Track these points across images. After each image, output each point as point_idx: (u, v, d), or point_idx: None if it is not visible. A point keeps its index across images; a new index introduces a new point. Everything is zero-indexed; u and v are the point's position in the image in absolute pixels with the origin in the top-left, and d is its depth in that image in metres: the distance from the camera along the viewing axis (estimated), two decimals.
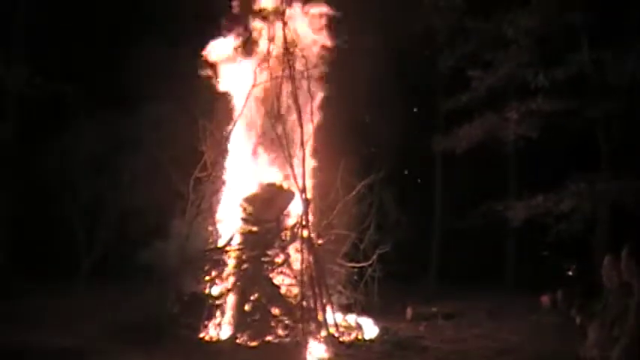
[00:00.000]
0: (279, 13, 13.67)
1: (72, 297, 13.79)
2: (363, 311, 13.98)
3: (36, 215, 16.89)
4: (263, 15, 13.85)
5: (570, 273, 16.81)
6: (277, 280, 13.05)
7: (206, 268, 13.27)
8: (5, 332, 10.68)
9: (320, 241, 13.76)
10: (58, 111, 17.48)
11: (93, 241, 17.36)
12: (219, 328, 12.41)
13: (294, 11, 13.89)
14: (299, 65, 13.63)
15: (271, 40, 13.69)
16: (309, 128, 13.72)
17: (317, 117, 13.83)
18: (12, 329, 10.86)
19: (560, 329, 11.41)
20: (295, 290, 12.90)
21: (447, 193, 23.06)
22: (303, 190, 13.16)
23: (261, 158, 14.15)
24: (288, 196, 13.67)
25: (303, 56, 13.66)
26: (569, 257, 17.12)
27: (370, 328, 13.35)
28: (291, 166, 13.26)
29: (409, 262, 18.37)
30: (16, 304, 12.65)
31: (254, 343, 11.91)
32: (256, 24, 13.96)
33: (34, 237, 16.81)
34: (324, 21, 13.92)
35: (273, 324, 12.35)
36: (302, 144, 13.29)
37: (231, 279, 13.01)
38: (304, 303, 12.63)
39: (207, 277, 13.19)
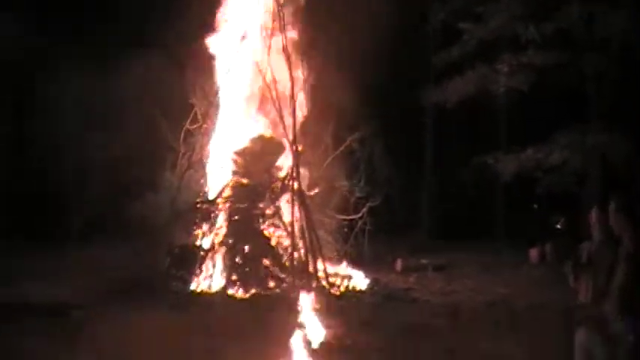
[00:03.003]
0: None
1: (64, 254, 13.77)
2: (353, 263, 14.05)
3: (26, 172, 16.80)
4: None
5: (559, 226, 16.88)
6: (268, 232, 13.09)
7: (197, 220, 13.29)
8: (10, 285, 10.71)
9: (310, 193, 13.78)
10: (45, 63, 17.25)
11: (84, 197, 17.27)
12: (211, 281, 12.47)
13: None
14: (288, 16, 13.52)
15: None
16: (299, 80, 13.63)
17: (306, 69, 13.74)
18: (7, 286, 10.87)
19: (549, 282, 11.52)
20: (286, 242, 12.96)
21: (437, 146, 23.06)
22: (294, 143, 13.12)
23: (252, 111, 14.09)
24: (279, 148, 13.64)
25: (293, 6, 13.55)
26: (559, 211, 17.20)
27: (360, 280, 13.44)
28: (281, 118, 13.20)
29: (399, 216, 18.45)
30: (9, 262, 12.64)
31: (245, 295, 11.98)
32: None
33: (24, 194, 16.72)
34: None
35: (264, 276, 12.43)
36: (292, 96, 13.21)
37: (222, 231, 13.03)
38: (295, 255, 12.69)
39: (197, 230, 13.21)
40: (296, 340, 8.40)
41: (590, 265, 5.67)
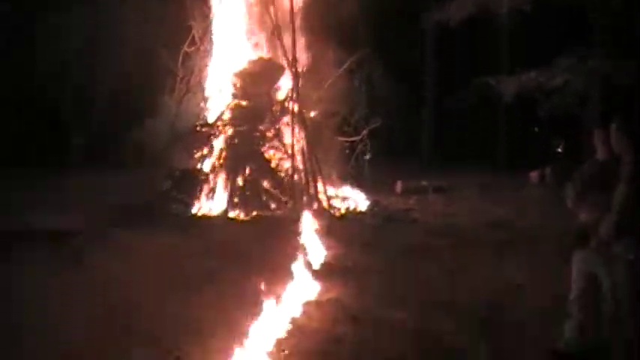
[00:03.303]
0: None
1: (64, 182, 13.79)
2: (354, 185, 14.09)
3: (26, 103, 16.64)
4: None
5: (560, 150, 16.91)
6: (268, 154, 13.07)
7: (197, 144, 13.25)
8: (9, 212, 10.73)
9: (311, 115, 13.70)
10: None
11: (84, 124, 17.19)
12: (212, 204, 12.52)
13: None
14: None
15: None
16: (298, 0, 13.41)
17: None
18: (9, 213, 10.90)
19: (548, 204, 11.57)
20: (286, 164, 12.96)
21: (438, 68, 22.83)
22: (293, 64, 12.97)
23: (251, 32, 13.89)
24: (278, 70, 13.50)
25: None
26: (560, 134, 17.18)
27: (361, 202, 13.50)
28: (280, 39, 13.02)
29: (399, 138, 18.42)
30: (8, 190, 12.66)
31: (246, 218, 12.05)
32: None
33: (24, 123, 16.60)
34: None
35: (264, 198, 12.47)
36: (291, 17, 12.99)
37: (222, 154, 13.01)
38: (295, 177, 12.72)
39: (198, 154, 13.19)
40: (297, 262, 8.48)
41: (592, 185, 5.67)
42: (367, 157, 14.58)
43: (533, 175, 14.93)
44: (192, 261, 8.80)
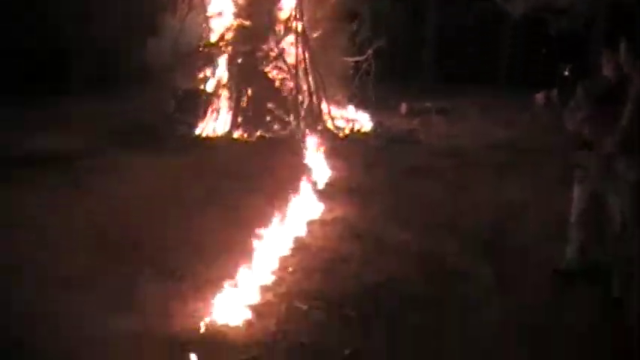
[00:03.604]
0: None
1: (67, 106, 13.70)
2: (358, 105, 14.03)
3: (25, 25, 16.31)
4: None
5: (566, 73, 16.69)
6: (272, 74, 12.96)
7: (199, 64, 13.12)
8: (9, 139, 10.71)
9: (314, 35, 13.51)
10: None
11: (84, 47, 16.90)
12: (215, 125, 12.49)
13: None
14: None
15: None
16: None
17: None
18: (14, 136, 10.88)
19: (552, 126, 11.50)
20: (290, 84, 12.87)
21: None
22: None
23: None
24: None
25: None
26: (566, 56, 16.97)
27: (365, 122, 13.47)
28: None
29: (404, 59, 18.22)
30: (10, 116, 12.61)
31: (250, 138, 12.04)
32: None
33: (24, 49, 16.31)
34: None
35: (268, 118, 12.44)
36: None
37: (226, 75, 12.91)
38: (299, 97, 12.65)
39: (200, 74, 13.09)
40: (301, 182, 8.53)
41: (597, 103, 5.65)
42: (371, 77, 14.40)
43: (539, 96, 14.76)
44: (195, 181, 8.85)
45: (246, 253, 6.18)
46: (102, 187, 8.54)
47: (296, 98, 12.60)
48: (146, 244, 6.70)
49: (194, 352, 4.82)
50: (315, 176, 9.23)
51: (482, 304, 5.59)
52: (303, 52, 12.79)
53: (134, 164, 9.51)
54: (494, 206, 8.21)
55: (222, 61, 13.03)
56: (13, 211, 7.52)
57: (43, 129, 11.57)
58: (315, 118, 12.59)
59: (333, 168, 9.78)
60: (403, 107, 15.54)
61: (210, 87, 12.89)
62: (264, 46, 12.92)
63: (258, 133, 12.10)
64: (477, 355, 4.80)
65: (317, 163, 9.84)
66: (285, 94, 12.85)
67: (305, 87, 12.80)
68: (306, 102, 12.72)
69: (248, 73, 12.72)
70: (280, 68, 12.98)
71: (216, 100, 12.67)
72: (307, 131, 11.84)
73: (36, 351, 4.78)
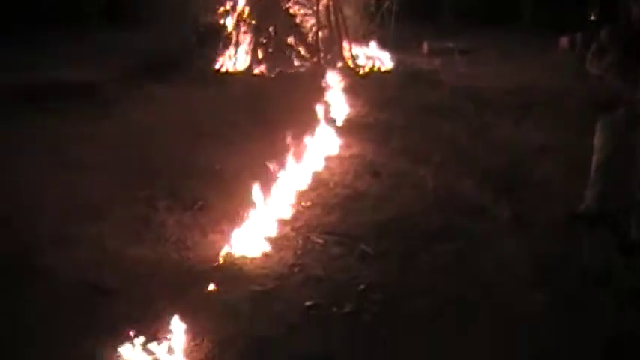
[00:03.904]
0: None
1: (88, 38, 13.67)
2: (379, 44, 13.86)
3: None
4: None
5: (592, 17, 16.41)
6: (293, 10, 12.82)
7: None
8: (34, 70, 10.73)
9: None
10: None
11: None
12: (235, 60, 12.43)
13: None
14: None
15: None
16: None
17: None
18: (34, 68, 10.89)
19: (575, 70, 11.36)
20: (311, 21, 12.73)
21: None
22: None
23: None
24: None
25: None
26: (593, 1, 16.59)
27: (386, 61, 13.33)
28: None
29: None
30: (32, 48, 12.59)
31: (270, 74, 11.99)
32: None
33: None
34: None
35: (289, 54, 12.36)
36: None
37: (246, 10, 12.78)
38: (320, 33, 12.53)
39: (221, 8, 12.96)
40: (320, 117, 8.51)
41: (624, 49, 5.55)
42: (393, 15, 14.18)
43: (563, 40, 14.59)
44: (216, 114, 8.88)
45: (264, 186, 6.21)
46: (123, 116, 8.62)
47: (317, 35, 12.48)
48: (166, 174, 6.78)
49: (210, 282, 4.90)
50: (334, 113, 9.21)
51: (497, 241, 5.61)
52: None
53: (156, 95, 9.55)
54: (513, 147, 8.16)
55: None
56: (38, 138, 7.62)
57: (68, 60, 11.60)
58: (335, 55, 12.48)
59: (352, 105, 9.73)
60: (425, 47, 15.35)
61: (230, 22, 12.78)
62: None
63: (278, 69, 12.03)
64: (491, 292, 4.84)
65: (336, 99, 9.80)
66: (306, 30, 12.72)
67: (326, 23, 12.65)
68: (327, 39, 12.59)
69: (269, 8, 12.58)
70: (302, 4, 12.83)
71: (236, 35, 12.57)
72: (327, 68, 11.76)
73: (55, 277, 4.88)
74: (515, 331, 4.37)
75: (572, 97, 9.97)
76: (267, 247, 5.42)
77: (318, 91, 9.86)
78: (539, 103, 10.33)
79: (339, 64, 12.33)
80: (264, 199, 5.98)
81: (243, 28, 12.61)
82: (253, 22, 12.56)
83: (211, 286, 4.83)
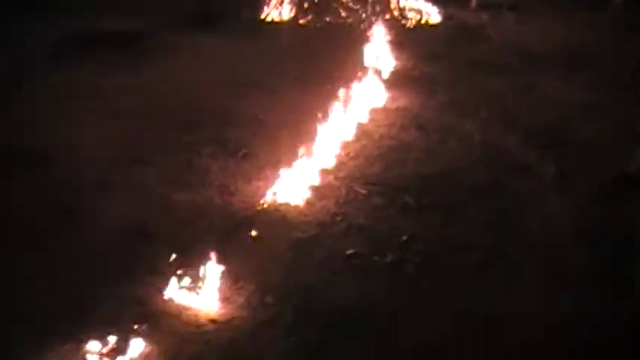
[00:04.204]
0: None
1: None
2: None
3: None
4: None
5: None
6: None
7: None
8: (77, 18, 10.70)
9: None
10: None
11: None
12: (281, 9, 12.33)
13: None
14: None
15: None
16: None
17: None
18: (81, 16, 10.85)
19: (628, 29, 11.07)
20: None
21: None
22: None
23: None
24: None
25: None
26: None
27: (433, 14, 13.10)
28: None
29: None
30: None
31: (317, 25, 11.87)
32: None
33: None
34: None
35: (335, 5, 12.21)
36: None
37: None
38: None
39: None
40: (366, 69, 8.44)
41: None
42: None
43: None
44: (261, 64, 8.84)
45: (309, 136, 6.21)
46: (168, 65, 8.62)
47: None
48: (211, 121, 6.82)
49: (253, 228, 4.94)
50: (380, 65, 9.10)
51: (541, 199, 5.55)
52: None
53: (200, 46, 9.51)
54: (560, 105, 7.99)
55: None
56: (83, 86, 7.68)
57: (111, 9, 11.59)
58: (382, 7, 12.30)
59: (398, 58, 9.60)
60: (473, 1, 15.06)
61: None
62: None
63: (325, 20, 11.90)
64: (533, 249, 4.81)
65: (383, 52, 9.68)
66: None
67: None
68: None
69: None
70: None
71: None
72: (374, 20, 11.60)
73: (101, 220, 4.97)
74: (557, 289, 4.35)
75: (623, 58, 9.72)
76: (310, 196, 5.44)
77: (365, 43, 9.74)
78: (589, 62, 10.09)
79: (386, 16, 12.14)
80: (309, 147, 5.98)
81: None
82: None
83: (254, 232, 4.88)
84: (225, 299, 4.22)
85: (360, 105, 7.39)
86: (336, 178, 5.79)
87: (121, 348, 3.81)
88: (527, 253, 4.74)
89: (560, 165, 6.20)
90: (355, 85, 7.74)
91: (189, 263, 4.42)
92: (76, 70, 8.17)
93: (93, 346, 3.80)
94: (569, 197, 5.60)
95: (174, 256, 4.50)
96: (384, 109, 7.54)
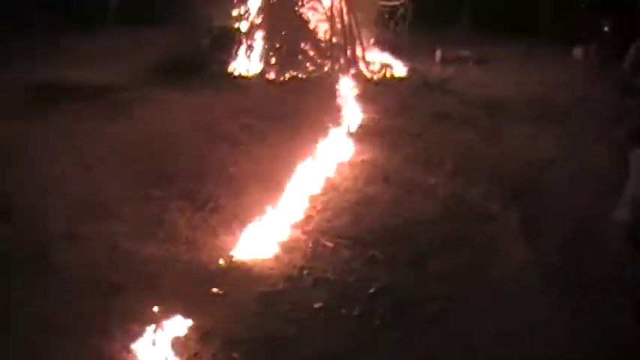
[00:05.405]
0: None
1: (102, 38, 13.72)
2: (392, 51, 13.88)
3: None
4: None
5: (606, 29, 16.40)
6: (306, 15, 12.84)
7: (234, 1, 13.04)
8: (43, 70, 10.78)
9: None
10: None
11: None
12: (249, 64, 12.48)
13: None
14: None
15: None
16: None
17: None
18: (52, 69, 10.94)
19: (590, 81, 11.34)
20: (325, 27, 12.77)
21: None
22: None
23: None
24: None
25: None
26: (607, 13, 16.59)
27: (399, 68, 13.36)
28: None
29: (440, 5, 17.91)
30: (46, 47, 12.62)
31: (283, 79, 12.03)
32: None
33: None
34: None
35: (302, 60, 12.39)
36: None
37: (260, 14, 12.83)
38: (334, 39, 12.57)
39: (235, 12, 13.01)
40: (332, 123, 8.55)
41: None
42: (406, 22, 14.16)
43: (577, 51, 14.60)
44: (229, 119, 8.91)
45: (276, 190, 6.26)
46: (137, 118, 8.65)
47: (330, 40, 12.52)
48: (179, 175, 6.83)
49: (220, 282, 4.94)
50: (346, 119, 9.24)
51: (506, 248, 5.63)
52: None
53: (170, 99, 9.59)
54: (525, 156, 8.13)
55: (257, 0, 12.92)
56: (52, 137, 7.67)
57: (81, 60, 11.64)
58: (348, 61, 12.52)
59: (364, 111, 9.76)
60: (438, 54, 15.36)
61: (244, 26, 12.83)
62: None
63: (291, 74, 12.07)
64: (501, 299, 4.86)
65: (349, 105, 9.83)
66: (320, 35, 12.76)
67: (340, 29, 12.69)
68: (341, 45, 12.62)
69: (282, 13, 12.62)
70: (315, 9, 12.86)
71: (250, 39, 12.62)
72: (340, 74, 11.80)
73: (67, 273, 4.94)
74: (523, 337, 4.40)
75: (585, 109, 9.93)
76: (277, 250, 5.46)
77: (331, 97, 9.89)
78: (553, 113, 10.30)
79: (352, 71, 12.36)
80: (276, 201, 6.02)
81: (256, 33, 12.64)
82: (267, 26, 12.59)
83: (221, 287, 4.88)
84: (193, 355, 4.19)
85: (326, 158, 7.49)
86: (303, 232, 5.83)
87: None
88: (491, 302, 4.80)
89: (524, 214, 6.30)
90: (322, 139, 7.84)
91: (157, 318, 4.40)
92: (44, 120, 8.18)
93: None
94: (532, 246, 5.68)
95: (141, 310, 4.48)
96: (351, 163, 7.64)
